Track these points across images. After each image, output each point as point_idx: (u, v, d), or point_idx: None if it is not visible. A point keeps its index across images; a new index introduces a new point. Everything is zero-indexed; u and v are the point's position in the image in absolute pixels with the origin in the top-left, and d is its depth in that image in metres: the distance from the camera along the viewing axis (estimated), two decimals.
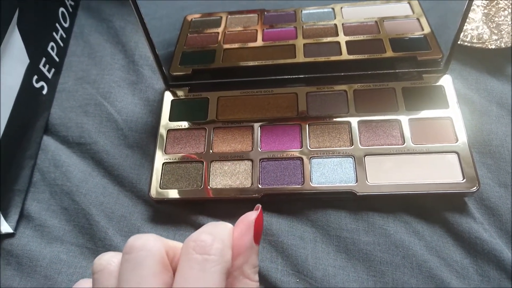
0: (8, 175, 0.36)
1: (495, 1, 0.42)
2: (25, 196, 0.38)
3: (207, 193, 0.35)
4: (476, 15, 0.41)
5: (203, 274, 0.19)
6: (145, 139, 0.40)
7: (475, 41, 0.40)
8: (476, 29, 0.41)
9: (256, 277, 0.22)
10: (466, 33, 0.40)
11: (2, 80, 0.35)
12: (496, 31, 0.40)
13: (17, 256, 0.35)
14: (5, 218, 0.36)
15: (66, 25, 0.46)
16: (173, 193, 0.35)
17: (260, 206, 0.23)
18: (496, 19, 0.41)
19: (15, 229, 0.37)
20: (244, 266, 0.22)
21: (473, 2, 0.37)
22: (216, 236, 0.20)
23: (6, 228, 0.36)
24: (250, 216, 0.22)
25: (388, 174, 0.34)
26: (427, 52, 0.39)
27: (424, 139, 0.35)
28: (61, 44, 0.45)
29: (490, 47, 0.39)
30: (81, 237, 0.36)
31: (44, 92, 0.41)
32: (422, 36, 0.41)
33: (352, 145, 0.36)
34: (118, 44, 0.46)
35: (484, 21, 0.41)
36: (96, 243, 0.36)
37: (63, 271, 0.35)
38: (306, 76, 0.40)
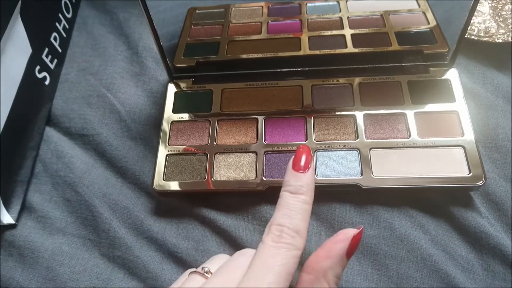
0: (10, 166, 0.36)
1: None
2: (27, 187, 0.38)
3: (211, 185, 0.35)
4: (483, 8, 0.41)
5: (274, 257, 0.22)
6: (149, 131, 0.39)
7: (482, 34, 0.40)
8: (483, 22, 0.40)
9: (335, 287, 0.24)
10: (473, 27, 0.40)
11: (5, 70, 0.35)
12: (503, 25, 0.40)
13: (19, 247, 0.35)
14: (7, 209, 0.36)
15: (69, 16, 0.46)
16: (176, 185, 0.35)
17: (362, 227, 0.25)
18: (504, 12, 0.40)
19: (17, 220, 0.36)
20: (328, 270, 0.24)
21: None
22: (290, 226, 0.24)
23: (8, 219, 0.36)
24: (350, 231, 0.25)
25: (393, 168, 0.34)
26: (433, 46, 0.39)
27: (430, 133, 0.35)
28: (64, 35, 0.45)
29: (497, 41, 0.39)
30: (84, 228, 0.36)
31: (47, 82, 0.41)
32: (428, 29, 0.40)
33: (357, 138, 0.36)
34: (121, 36, 0.46)
35: (492, 14, 0.40)
36: (99, 234, 0.35)
37: (65, 262, 0.34)
38: (311, 69, 0.40)
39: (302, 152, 0.26)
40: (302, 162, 0.26)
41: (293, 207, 0.25)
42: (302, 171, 0.26)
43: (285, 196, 0.25)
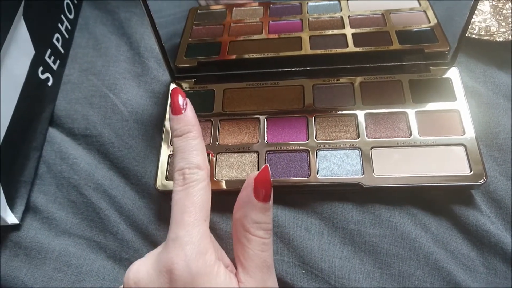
0: (14, 166, 0.36)
1: None
2: (31, 188, 0.38)
3: (213, 185, 0.35)
4: (484, 7, 0.41)
5: (186, 198, 0.25)
6: (151, 131, 0.40)
7: (483, 33, 0.40)
8: (484, 21, 0.40)
9: (260, 233, 0.25)
10: (473, 26, 0.40)
11: (8, 71, 0.35)
12: (504, 24, 0.40)
13: (25, 248, 0.36)
14: (11, 209, 0.36)
15: (71, 17, 0.46)
16: None
17: (266, 165, 0.26)
18: (504, 11, 0.40)
19: (21, 220, 0.37)
20: (243, 219, 0.25)
21: None
22: (189, 165, 0.26)
23: (12, 219, 0.36)
24: (252, 175, 0.26)
25: (394, 167, 0.34)
26: (434, 45, 0.39)
27: (431, 132, 0.35)
28: (66, 36, 0.45)
29: (498, 39, 0.39)
30: (89, 230, 0.36)
31: (50, 83, 0.41)
32: (429, 28, 0.41)
33: (359, 137, 0.36)
34: (123, 36, 0.46)
35: (492, 13, 0.41)
36: (106, 237, 0.36)
37: (72, 263, 0.35)
38: (312, 68, 0.40)
39: (174, 96, 0.28)
40: (177, 105, 0.28)
41: (185, 148, 0.27)
42: (181, 112, 0.28)
43: (175, 142, 0.28)
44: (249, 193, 0.25)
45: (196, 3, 0.47)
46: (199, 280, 0.24)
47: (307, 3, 0.45)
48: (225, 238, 0.34)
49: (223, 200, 0.36)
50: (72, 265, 0.35)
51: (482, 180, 0.33)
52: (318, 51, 0.41)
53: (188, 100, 0.28)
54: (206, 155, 0.28)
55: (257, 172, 0.26)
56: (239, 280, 0.25)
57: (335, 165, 0.35)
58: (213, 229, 0.35)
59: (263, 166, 0.26)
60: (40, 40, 0.39)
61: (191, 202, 0.25)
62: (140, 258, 0.27)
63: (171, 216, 0.26)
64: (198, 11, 0.46)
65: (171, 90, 0.28)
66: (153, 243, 0.35)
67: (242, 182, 0.34)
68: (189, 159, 0.26)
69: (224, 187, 0.35)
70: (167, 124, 0.38)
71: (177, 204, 0.26)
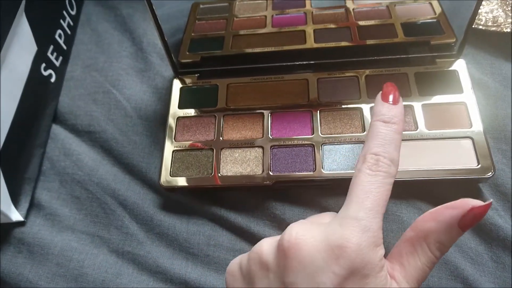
0: (18, 163, 0.36)
1: None
2: (35, 185, 0.38)
3: (218, 180, 0.35)
4: None
5: (372, 184, 0.23)
6: (154, 127, 0.40)
7: (490, 24, 0.39)
8: (491, 12, 0.40)
9: (437, 254, 0.24)
10: (480, 16, 0.40)
11: (11, 68, 0.35)
12: (511, 14, 0.39)
13: (28, 244, 0.36)
14: (16, 206, 0.36)
15: (73, 13, 0.46)
16: (184, 181, 0.35)
17: (491, 202, 0.23)
18: None
19: (26, 217, 0.37)
20: (430, 233, 0.24)
21: None
22: (385, 155, 0.24)
23: (17, 216, 0.36)
24: (470, 201, 0.23)
25: (401, 160, 0.33)
26: (440, 36, 0.39)
27: (438, 125, 0.35)
28: (69, 32, 0.45)
29: (505, 30, 0.39)
30: (93, 225, 0.36)
31: (52, 80, 0.41)
32: (435, 20, 0.40)
33: (364, 131, 0.35)
34: (126, 32, 0.45)
35: (500, 4, 0.40)
36: (110, 231, 0.36)
37: (74, 258, 0.35)
38: (317, 62, 0.40)
39: (391, 89, 0.27)
40: (391, 97, 0.27)
41: (387, 137, 0.25)
42: (397, 103, 0.27)
43: (378, 125, 0.26)
44: (453, 216, 0.23)
45: None
46: (366, 271, 0.22)
47: None
48: (230, 234, 0.35)
49: (227, 196, 0.35)
50: (74, 260, 0.35)
51: (490, 173, 0.32)
52: (323, 45, 0.40)
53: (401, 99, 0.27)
54: (399, 156, 0.25)
55: (474, 202, 0.23)
56: (396, 280, 0.24)
57: (340, 160, 0.34)
58: (222, 221, 0.35)
59: (488, 202, 0.23)
60: (43, 37, 0.39)
61: (377, 190, 0.23)
62: (299, 221, 0.26)
63: (350, 193, 0.24)
64: (201, 6, 0.46)
65: (388, 84, 0.27)
66: (158, 235, 0.35)
67: (246, 177, 0.34)
68: (388, 149, 0.25)
69: (229, 182, 0.35)
70: (170, 120, 0.38)
71: (362, 185, 0.24)
